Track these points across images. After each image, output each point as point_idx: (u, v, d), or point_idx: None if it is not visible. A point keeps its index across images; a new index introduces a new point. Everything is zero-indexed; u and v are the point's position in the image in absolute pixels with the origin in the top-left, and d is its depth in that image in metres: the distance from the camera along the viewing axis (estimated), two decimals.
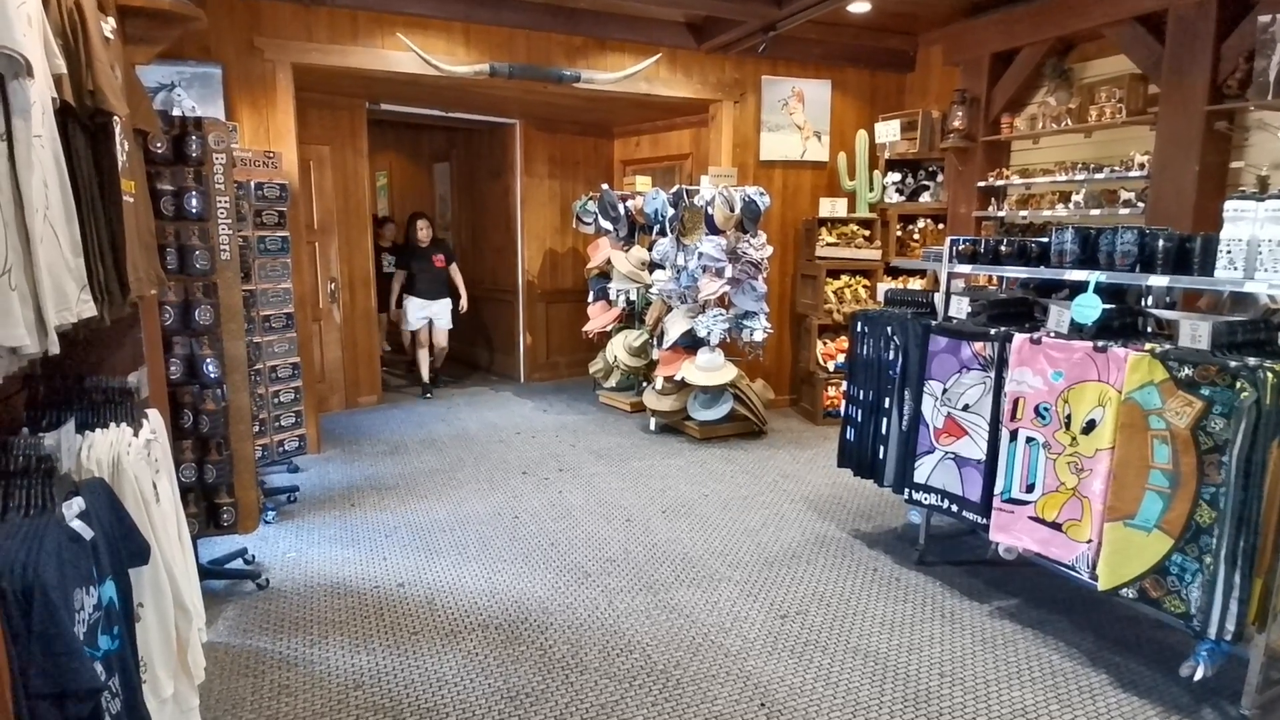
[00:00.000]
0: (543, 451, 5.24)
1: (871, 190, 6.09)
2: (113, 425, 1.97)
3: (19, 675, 1.30)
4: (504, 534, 3.84)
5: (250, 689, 2.55)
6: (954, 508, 3.23)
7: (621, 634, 2.90)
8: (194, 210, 2.76)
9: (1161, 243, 2.59)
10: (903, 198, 6.15)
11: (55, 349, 1.31)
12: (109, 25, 1.96)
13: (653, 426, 5.75)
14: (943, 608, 3.14)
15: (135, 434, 2.01)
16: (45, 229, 1.39)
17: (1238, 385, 2.26)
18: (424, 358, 6.93)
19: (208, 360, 2.87)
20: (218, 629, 2.90)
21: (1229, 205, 2.39)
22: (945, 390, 3.24)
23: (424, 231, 6.74)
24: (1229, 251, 2.39)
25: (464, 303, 6.93)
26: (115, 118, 1.82)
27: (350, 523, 3.96)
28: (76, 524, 1.50)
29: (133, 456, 1.94)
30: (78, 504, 1.53)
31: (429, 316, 6.80)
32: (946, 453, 3.25)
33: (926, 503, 3.35)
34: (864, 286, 6.08)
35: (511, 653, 2.77)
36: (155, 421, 2.21)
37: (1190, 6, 4.15)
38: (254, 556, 3.47)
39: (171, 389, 2.82)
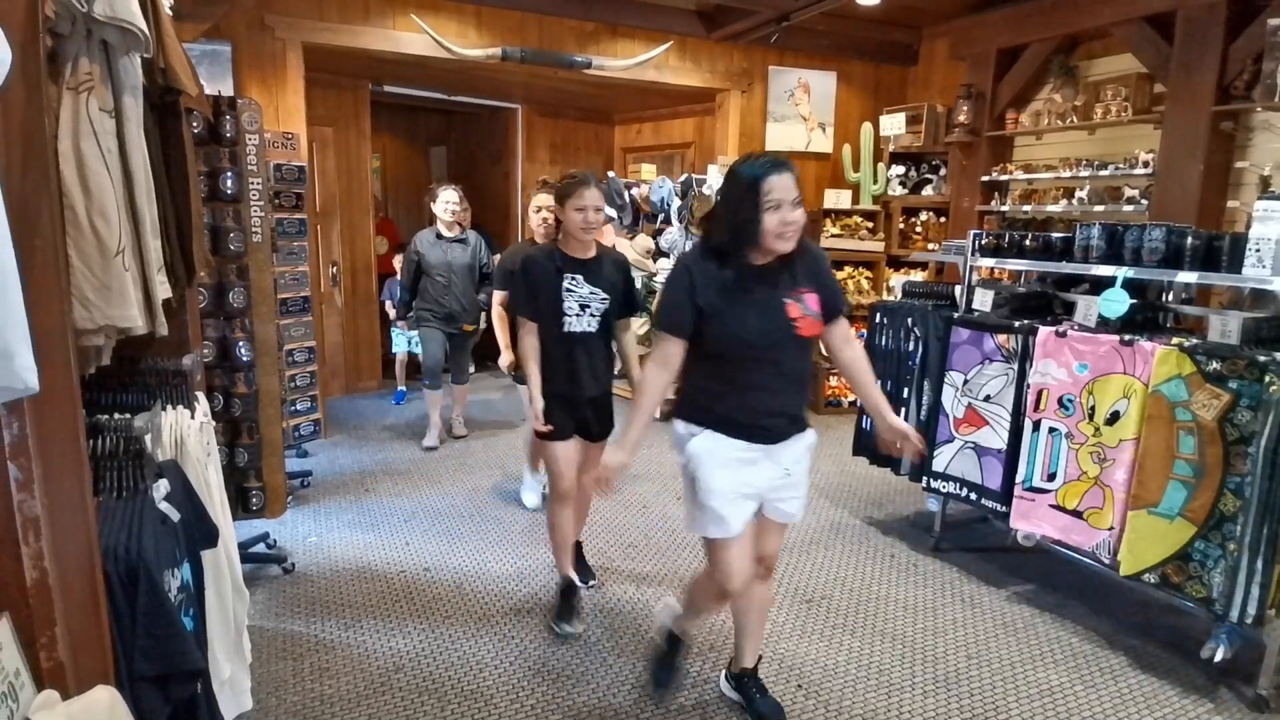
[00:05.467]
0: None
1: (875, 182, 6.15)
2: (169, 408, 1.96)
3: (123, 659, 1.30)
4: (522, 519, 3.85)
5: (291, 671, 2.55)
6: (973, 496, 3.30)
7: (653, 618, 2.93)
8: (229, 191, 2.73)
9: (1190, 240, 2.67)
10: (906, 190, 6.22)
11: (164, 330, 1.30)
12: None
13: (656, 413, 5.77)
14: (962, 593, 3.22)
15: (191, 417, 1.99)
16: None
17: (1266, 379, 2.34)
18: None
19: (240, 343, 2.85)
20: (249, 613, 2.88)
21: (1259, 205, 2.47)
22: (966, 381, 3.30)
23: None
24: (1258, 250, 2.47)
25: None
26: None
27: (367, 508, 3.95)
28: (164, 506, 1.50)
29: (192, 439, 1.94)
30: (164, 486, 1.52)
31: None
32: (966, 442, 3.32)
33: (945, 491, 3.42)
34: (866, 278, 6.15)
35: (547, 636, 2.79)
36: (203, 405, 2.20)
37: (1200, 8, 4.24)
38: (275, 541, 3.45)
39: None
